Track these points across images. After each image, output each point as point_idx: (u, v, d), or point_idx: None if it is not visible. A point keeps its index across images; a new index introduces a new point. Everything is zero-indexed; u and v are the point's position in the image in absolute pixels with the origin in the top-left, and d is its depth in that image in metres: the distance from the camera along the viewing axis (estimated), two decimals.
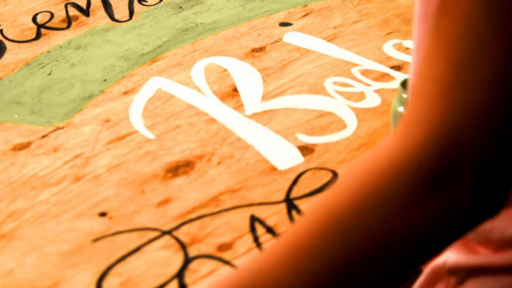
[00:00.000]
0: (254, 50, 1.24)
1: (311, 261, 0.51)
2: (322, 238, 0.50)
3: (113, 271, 0.86)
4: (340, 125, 1.07)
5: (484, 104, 0.45)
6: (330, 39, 1.26)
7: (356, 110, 1.10)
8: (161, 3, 1.38)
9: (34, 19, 1.35)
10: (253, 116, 1.09)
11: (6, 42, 1.29)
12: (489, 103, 0.46)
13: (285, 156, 1.02)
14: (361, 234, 0.48)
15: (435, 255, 0.52)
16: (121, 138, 1.06)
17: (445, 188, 0.46)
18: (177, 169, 1.00)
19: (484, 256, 0.74)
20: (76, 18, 1.35)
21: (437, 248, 0.50)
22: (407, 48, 1.23)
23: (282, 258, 0.53)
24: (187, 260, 0.87)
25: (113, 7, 1.37)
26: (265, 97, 1.13)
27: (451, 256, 0.76)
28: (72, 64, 1.22)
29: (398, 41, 1.25)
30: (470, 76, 0.46)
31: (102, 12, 1.36)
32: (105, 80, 1.18)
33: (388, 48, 1.23)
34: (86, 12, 1.37)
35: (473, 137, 0.45)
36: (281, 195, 0.95)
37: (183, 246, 0.89)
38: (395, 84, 1.14)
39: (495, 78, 0.46)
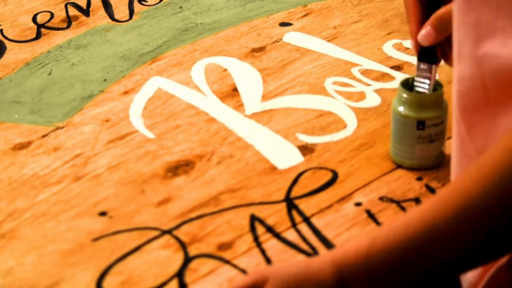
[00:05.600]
0: (254, 50, 1.24)
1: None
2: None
3: (113, 270, 0.86)
4: (340, 125, 1.07)
5: None
6: (330, 39, 1.26)
7: (356, 110, 1.10)
8: (161, 3, 1.38)
9: (34, 19, 1.35)
10: (253, 116, 1.09)
11: (6, 42, 1.29)
12: None
13: (285, 156, 1.02)
14: None
15: None
16: (121, 137, 1.06)
17: None
18: (177, 168, 1.00)
19: None
20: (76, 18, 1.35)
21: None
22: (407, 48, 1.23)
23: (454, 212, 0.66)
24: (187, 260, 0.87)
25: (113, 7, 1.37)
26: (265, 97, 1.13)
27: None
28: (72, 64, 1.23)
29: (398, 41, 1.25)
30: None
31: (102, 12, 1.36)
32: (105, 80, 1.18)
33: (388, 48, 1.23)
34: (86, 12, 1.37)
35: None
36: (281, 195, 0.95)
37: (183, 246, 0.89)
38: (395, 84, 1.14)
39: None
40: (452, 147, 0.82)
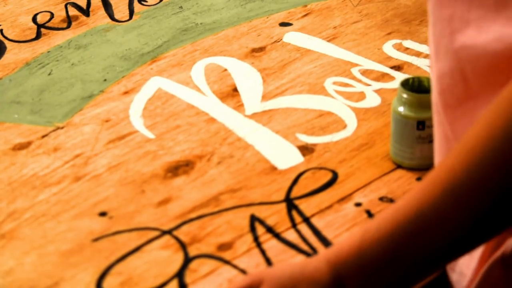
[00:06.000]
0: (254, 50, 1.24)
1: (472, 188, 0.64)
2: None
3: (113, 271, 0.86)
4: (340, 125, 1.07)
5: None
6: (330, 39, 1.26)
7: (356, 110, 1.10)
8: (161, 3, 1.38)
9: (34, 19, 1.35)
10: (253, 116, 1.09)
11: (6, 42, 1.29)
12: None
13: (285, 156, 1.02)
14: None
15: None
16: (121, 138, 1.06)
17: None
18: (177, 169, 1.00)
19: None
20: (76, 18, 1.35)
21: None
22: (407, 48, 1.23)
23: (442, 197, 0.64)
24: (187, 260, 0.87)
25: (113, 7, 1.38)
26: (265, 97, 1.13)
27: None
28: (72, 64, 1.23)
29: (398, 41, 1.25)
30: None
31: (102, 12, 1.36)
32: (105, 80, 1.18)
33: (388, 48, 1.23)
34: (86, 12, 1.37)
35: None
36: (281, 195, 0.95)
37: (183, 246, 0.89)
38: (395, 84, 1.14)
39: None
40: (435, 150, 0.82)
